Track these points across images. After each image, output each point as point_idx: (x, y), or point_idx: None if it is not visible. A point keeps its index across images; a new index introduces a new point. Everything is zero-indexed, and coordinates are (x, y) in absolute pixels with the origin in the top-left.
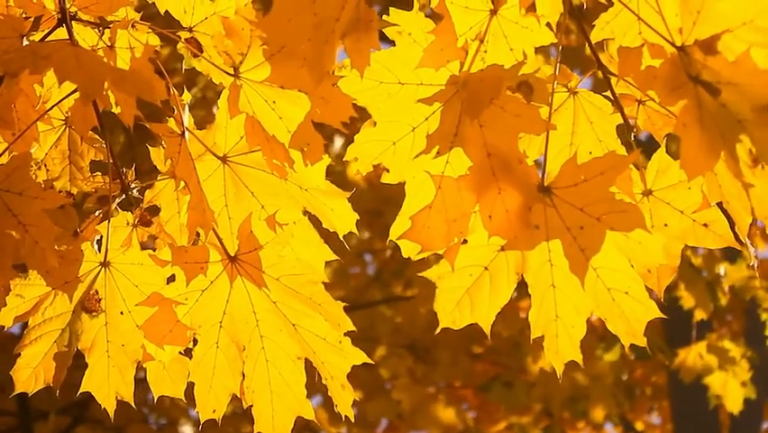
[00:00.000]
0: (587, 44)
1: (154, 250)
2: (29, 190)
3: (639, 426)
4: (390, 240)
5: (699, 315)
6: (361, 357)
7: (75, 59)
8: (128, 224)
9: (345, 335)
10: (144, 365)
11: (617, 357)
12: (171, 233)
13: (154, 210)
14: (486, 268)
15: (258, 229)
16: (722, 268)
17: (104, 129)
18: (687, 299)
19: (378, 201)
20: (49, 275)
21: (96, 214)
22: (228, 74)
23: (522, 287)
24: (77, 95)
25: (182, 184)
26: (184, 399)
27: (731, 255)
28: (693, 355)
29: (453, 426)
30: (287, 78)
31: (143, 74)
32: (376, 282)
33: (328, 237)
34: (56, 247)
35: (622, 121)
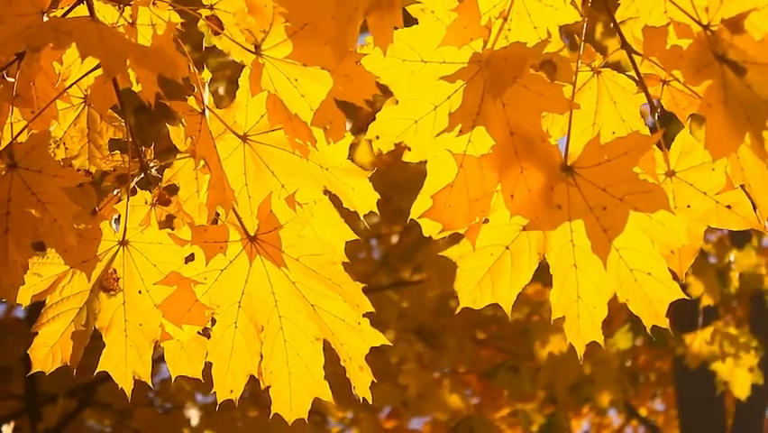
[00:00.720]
0: (600, 26)
1: (172, 229)
2: (48, 168)
3: (643, 412)
4: (411, 219)
5: (706, 301)
6: (379, 339)
7: (97, 35)
8: (146, 203)
9: (363, 316)
10: (162, 345)
11: (629, 344)
12: (190, 212)
13: (173, 189)
14: (507, 248)
15: (278, 208)
16: (732, 255)
17: (123, 107)
18: (695, 286)
19: (385, 186)
20: (67, 254)
21: (115, 193)
22: (250, 52)
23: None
24: (97, 72)
25: (202, 163)
26: (202, 379)
27: (739, 242)
28: (699, 341)
29: (457, 411)
30: (309, 55)
31: (166, 51)
32: (383, 267)
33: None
34: (74, 226)
35: (645, 101)
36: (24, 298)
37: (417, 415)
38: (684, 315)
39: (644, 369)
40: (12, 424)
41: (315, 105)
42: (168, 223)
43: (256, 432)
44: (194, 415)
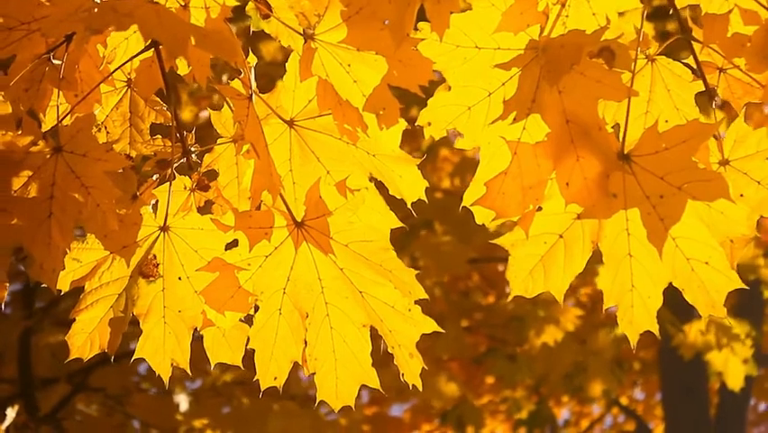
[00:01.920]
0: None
1: (211, 215)
2: (92, 152)
3: (623, 400)
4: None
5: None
6: (431, 325)
7: (156, 17)
8: (185, 188)
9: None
10: (202, 332)
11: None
12: (229, 198)
13: (212, 175)
14: (561, 236)
15: (325, 194)
16: None
17: (169, 90)
18: None
19: None
20: (107, 239)
21: (154, 177)
22: (303, 36)
23: None
24: (143, 56)
25: (245, 148)
26: (241, 366)
27: None
28: (694, 331)
29: (448, 398)
30: (364, 40)
31: (224, 33)
32: None
33: None
34: (116, 211)
35: (700, 89)
36: (64, 283)
37: (404, 402)
38: (678, 305)
39: (628, 358)
40: (16, 407)
41: (367, 91)
42: (206, 209)
43: (245, 418)
44: (183, 400)
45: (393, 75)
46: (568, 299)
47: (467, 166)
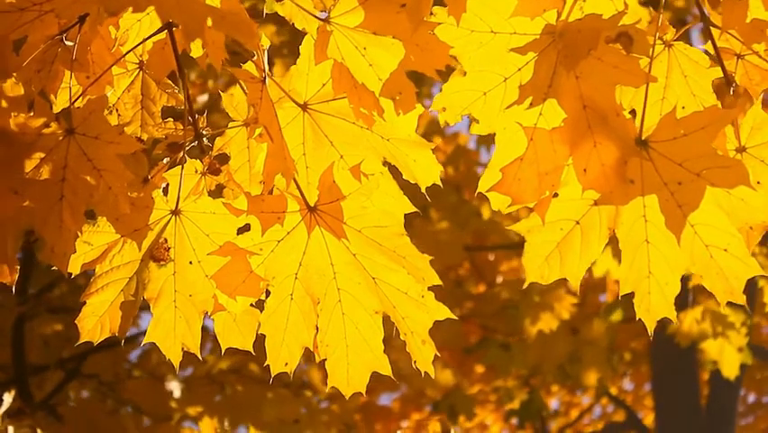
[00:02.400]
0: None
1: (223, 199)
2: (105, 134)
3: (613, 391)
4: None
5: (696, 279)
6: (444, 312)
7: None
8: (196, 171)
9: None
10: (212, 317)
11: (620, 317)
12: (240, 182)
13: (223, 159)
14: (577, 222)
15: (338, 179)
16: None
17: (182, 73)
18: None
19: None
20: (118, 222)
21: (164, 161)
22: (319, 19)
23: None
24: (156, 38)
25: (257, 132)
26: (252, 351)
27: None
28: (690, 320)
29: (442, 387)
30: (380, 24)
31: (240, 15)
32: None
33: None
34: (128, 194)
35: (717, 75)
36: (75, 266)
37: (393, 391)
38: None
39: (619, 348)
40: (12, 392)
41: (382, 75)
42: (217, 192)
43: (240, 406)
44: (175, 387)
45: (410, 59)
46: (561, 286)
47: (460, 155)
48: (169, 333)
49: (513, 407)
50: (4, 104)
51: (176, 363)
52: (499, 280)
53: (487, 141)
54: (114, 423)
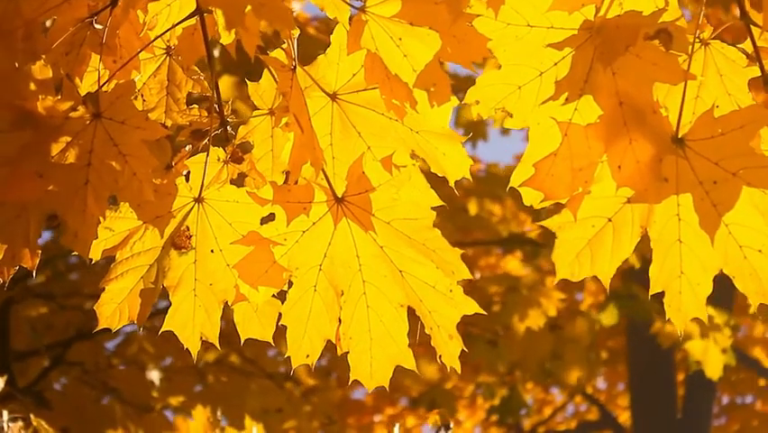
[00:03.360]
0: None
1: (247, 188)
2: (131, 120)
3: (588, 389)
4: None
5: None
6: (472, 307)
7: None
8: (218, 159)
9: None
10: (232, 307)
11: (615, 321)
12: (262, 171)
13: (246, 147)
14: (609, 220)
15: (368, 170)
16: None
17: (211, 59)
18: None
19: None
20: (141, 208)
21: (186, 148)
22: (354, 8)
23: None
24: (186, 23)
25: (284, 120)
26: (272, 342)
27: None
28: None
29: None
30: (417, 14)
31: (278, 2)
32: None
33: None
34: (152, 180)
35: (753, 75)
36: (95, 252)
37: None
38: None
39: (596, 347)
40: (5, 377)
41: (417, 67)
42: (239, 181)
43: (222, 396)
44: (155, 377)
45: (446, 51)
46: (545, 281)
47: None
48: (188, 322)
49: (493, 403)
50: (32, 86)
51: (194, 353)
52: (477, 276)
53: (476, 136)
54: (100, 411)
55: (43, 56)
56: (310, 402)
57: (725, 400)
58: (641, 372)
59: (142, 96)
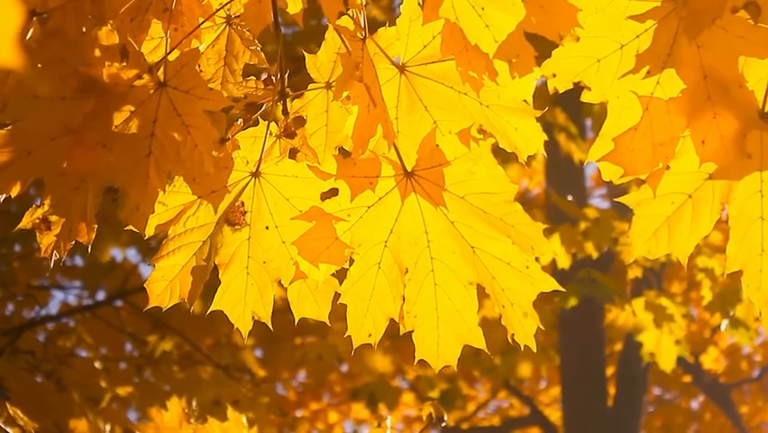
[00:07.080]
0: None
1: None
2: (196, 89)
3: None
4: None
5: (633, 273)
6: (551, 284)
7: None
8: (271, 134)
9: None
10: (287, 286)
11: (575, 302)
12: (315, 146)
13: (299, 121)
14: (690, 196)
15: (440, 144)
16: None
17: (278, 28)
18: (626, 254)
19: None
20: (196, 183)
21: (239, 121)
22: None
23: None
24: None
25: (345, 94)
26: (328, 322)
27: None
28: (627, 312)
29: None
30: None
31: None
32: None
33: None
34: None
35: None
36: (149, 228)
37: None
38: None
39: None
40: None
41: (499, 37)
42: (291, 156)
43: (173, 386)
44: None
45: (530, 21)
46: None
47: None
48: (239, 301)
49: (433, 395)
50: (98, 52)
51: (244, 333)
52: None
53: None
54: (59, 400)
55: (110, 21)
56: (270, 393)
57: (657, 391)
58: (572, 367)
59: (199, 66)
